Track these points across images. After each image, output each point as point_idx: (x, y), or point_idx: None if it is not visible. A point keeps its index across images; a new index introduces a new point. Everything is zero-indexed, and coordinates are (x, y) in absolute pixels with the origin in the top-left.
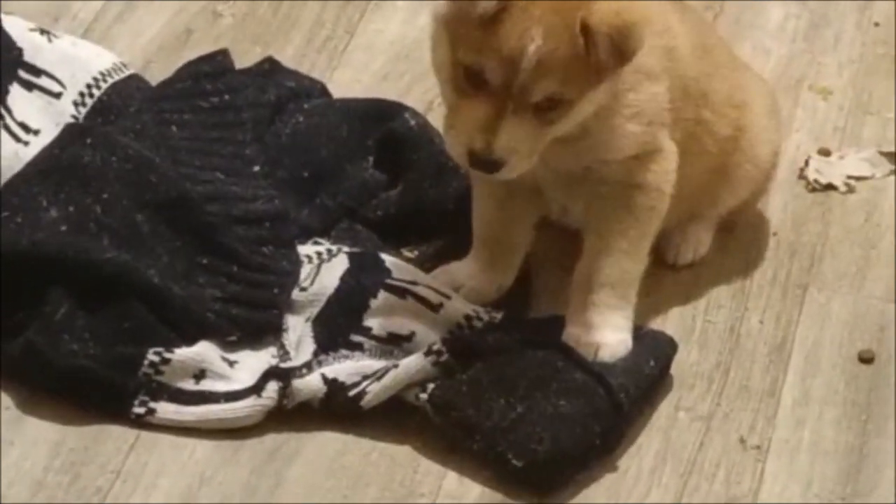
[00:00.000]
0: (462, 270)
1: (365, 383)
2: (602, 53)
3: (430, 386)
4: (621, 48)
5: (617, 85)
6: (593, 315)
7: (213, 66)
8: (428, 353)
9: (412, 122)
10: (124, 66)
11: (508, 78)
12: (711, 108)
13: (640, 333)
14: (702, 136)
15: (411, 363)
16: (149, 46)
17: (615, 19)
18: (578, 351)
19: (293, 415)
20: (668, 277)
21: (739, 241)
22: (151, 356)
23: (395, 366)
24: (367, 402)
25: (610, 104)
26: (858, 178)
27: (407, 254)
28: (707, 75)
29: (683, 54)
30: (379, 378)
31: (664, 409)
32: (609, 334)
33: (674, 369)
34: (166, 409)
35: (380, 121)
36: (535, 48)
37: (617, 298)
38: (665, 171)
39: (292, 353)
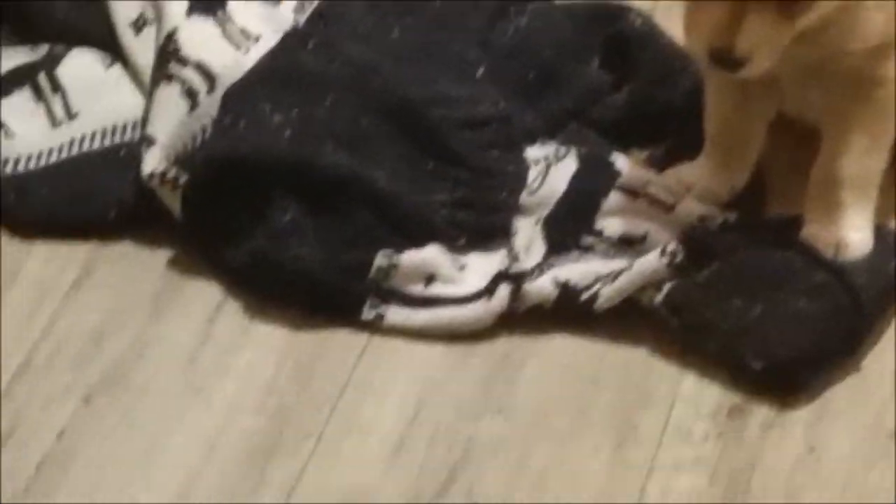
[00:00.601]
0: (694, 171)
1: (598, 286)
2: None
3: (665, 287)
4: None
5: None
6: (833, 213)
7: None
8: (663, 253)
9: (638, 22)
10: None
11: None
12: None
13: (882, 232)
14: None
15: (645, 264)
16: None
17: None
18: (818, 249)
19: (524, 319)
20: None
21: None
22: (380, 260)
23: (629, 267)
24: (600, 304)
25: None
26: None
27: (636, 155)
28: None
29: None
30: (612, 280)
31: None
32: (850, 233)
33: None
34: (396, 314)
35: (605, 22)
36: None
37: (857, 196)
38: None
39: (522, 257)
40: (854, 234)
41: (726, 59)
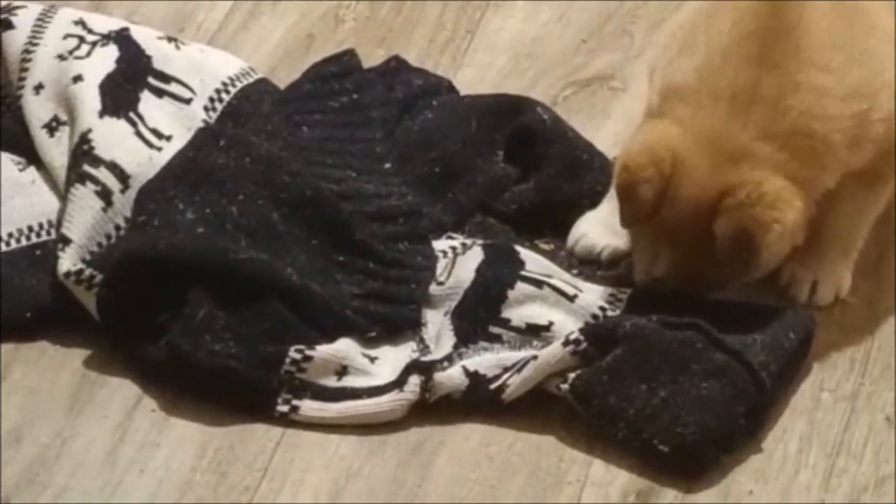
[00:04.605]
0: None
1: (506, 376)
2: (741, 270)
3: (571, 376)
4: (751, 263)
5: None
6: (811, 256)
7: (341, 66)
8: (566, 342)
9: (545, 117)
10: (252, 70)
11: None
12: None
13: (778, 308)
14: None
15: (550, 354)
16: (273, 53)
17: (739, 235)
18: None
19: (435, 408)
20: None
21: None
22: (293, 354)
23: (535, 357)
24: (508, 394)
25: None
26: None
27: (543, 246)
28: None
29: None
30: (519, 370)
31: (807, 390)
32: (826, 273)
33: (815, 351)
34: (309, 407)
35: (511, 115)
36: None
37: (839, 247)
38: None
39: (432, 347)
40: (830, 274)
41: None
